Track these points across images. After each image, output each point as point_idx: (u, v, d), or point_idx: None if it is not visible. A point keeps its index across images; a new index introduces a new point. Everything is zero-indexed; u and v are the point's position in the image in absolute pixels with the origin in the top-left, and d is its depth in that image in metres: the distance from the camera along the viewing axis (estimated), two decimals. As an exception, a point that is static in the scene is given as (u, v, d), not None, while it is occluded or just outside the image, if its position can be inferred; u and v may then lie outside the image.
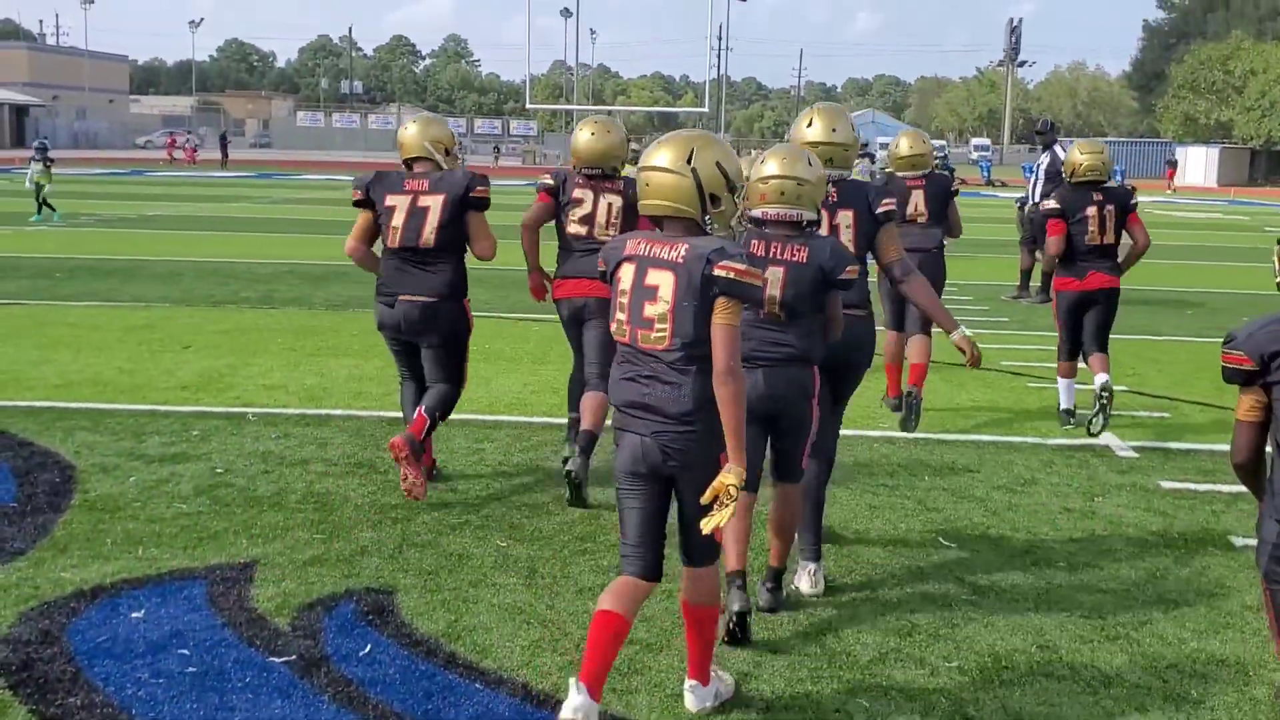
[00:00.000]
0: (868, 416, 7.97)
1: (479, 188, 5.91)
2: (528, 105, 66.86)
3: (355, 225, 6.18)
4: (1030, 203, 14.13)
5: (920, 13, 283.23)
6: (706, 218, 3.65)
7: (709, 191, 3.63)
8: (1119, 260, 7.72)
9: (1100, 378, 7.48)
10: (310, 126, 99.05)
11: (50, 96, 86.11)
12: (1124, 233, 7.69)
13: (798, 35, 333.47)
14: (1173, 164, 61.63)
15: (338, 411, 7.76)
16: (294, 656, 4.14)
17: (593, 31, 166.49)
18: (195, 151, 59.77)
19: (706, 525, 3.51)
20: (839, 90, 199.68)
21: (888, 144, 13.71)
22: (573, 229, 6.27)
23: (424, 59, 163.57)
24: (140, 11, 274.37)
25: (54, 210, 23.08)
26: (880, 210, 4.91)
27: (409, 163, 6.11)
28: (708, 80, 69.57)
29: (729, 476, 3.47)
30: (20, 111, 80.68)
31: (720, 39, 79.41)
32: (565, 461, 6.00)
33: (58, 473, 6.24)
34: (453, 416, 7.50)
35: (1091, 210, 7.55)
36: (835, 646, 4.36)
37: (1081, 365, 7.87)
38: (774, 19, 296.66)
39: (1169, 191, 53.74)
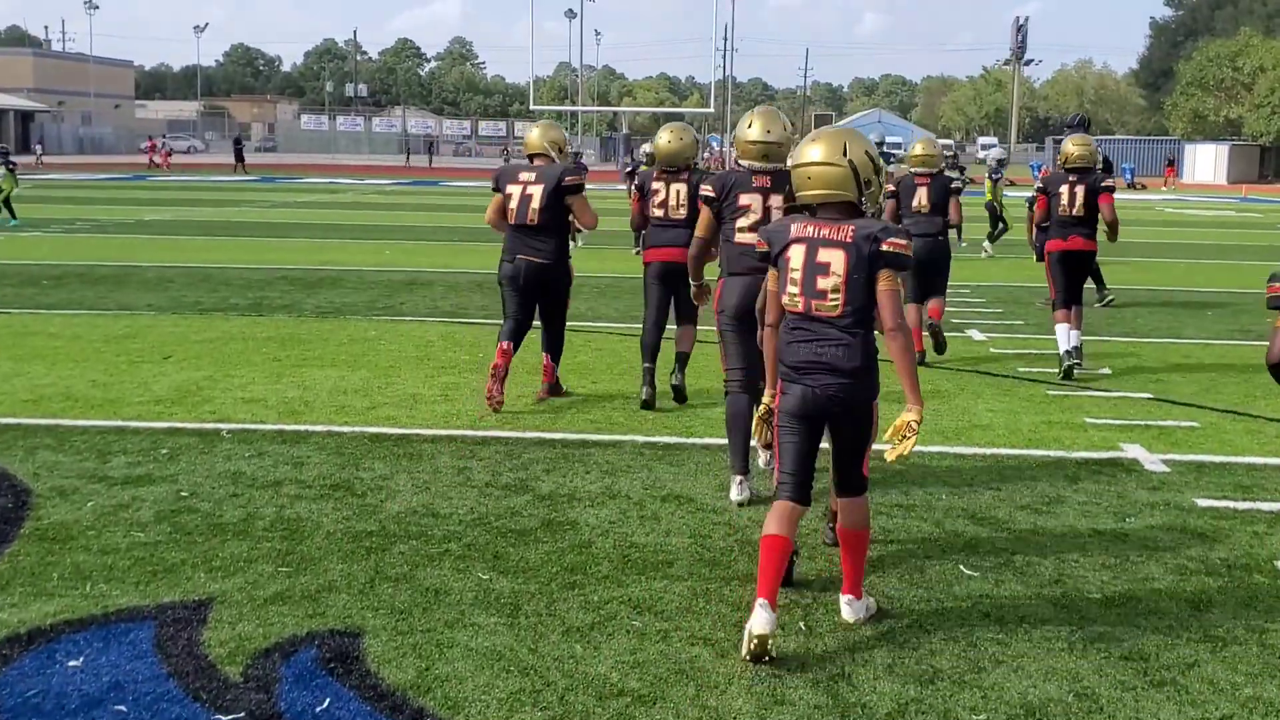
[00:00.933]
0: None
1: (569, 177, 7.81)
2: (532, 107, 66.29)
3: (491, 204, 8.05)
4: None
5: (926, 12, 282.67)
6: (862, 199, 4.35)
7: (863, 178, 4.33)
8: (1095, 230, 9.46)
9: (1073, 335, 9.28)
10: (315, 130, 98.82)
11: (56, 102, 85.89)
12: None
13: (804, 36, 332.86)
14: (1171, 162, 60.95)
15: (318, 427, 7.32)
16: (242, 714, 3.70)
17: (597, 33, 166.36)
18: (170, 156, 59.40)
19: (892, 455, 4.25)
20: (845, 90, 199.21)
21: (897, 143, 14.35)
22: (654, 213, 7.93)
23: (429, 62, 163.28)
24: (146, 18, 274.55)
25: (13, 216, 22.77)
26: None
27: (531, 157, 8.03)
28: (713, 81, 69.18)
29: (910, 414, 4.25)
30: (26, 117, 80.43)
31: (726, 39, 78.93)
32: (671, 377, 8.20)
33: (12, 497, 5.81)
34: (438, 431, 7.12)
35: (1064, 189, 9.43)
36: (849, 696, 3.91)
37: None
38: (780, 20, 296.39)
39: (1165, 189, 52.94)
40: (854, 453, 4.49)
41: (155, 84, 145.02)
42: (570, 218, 7.91)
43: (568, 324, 8.44)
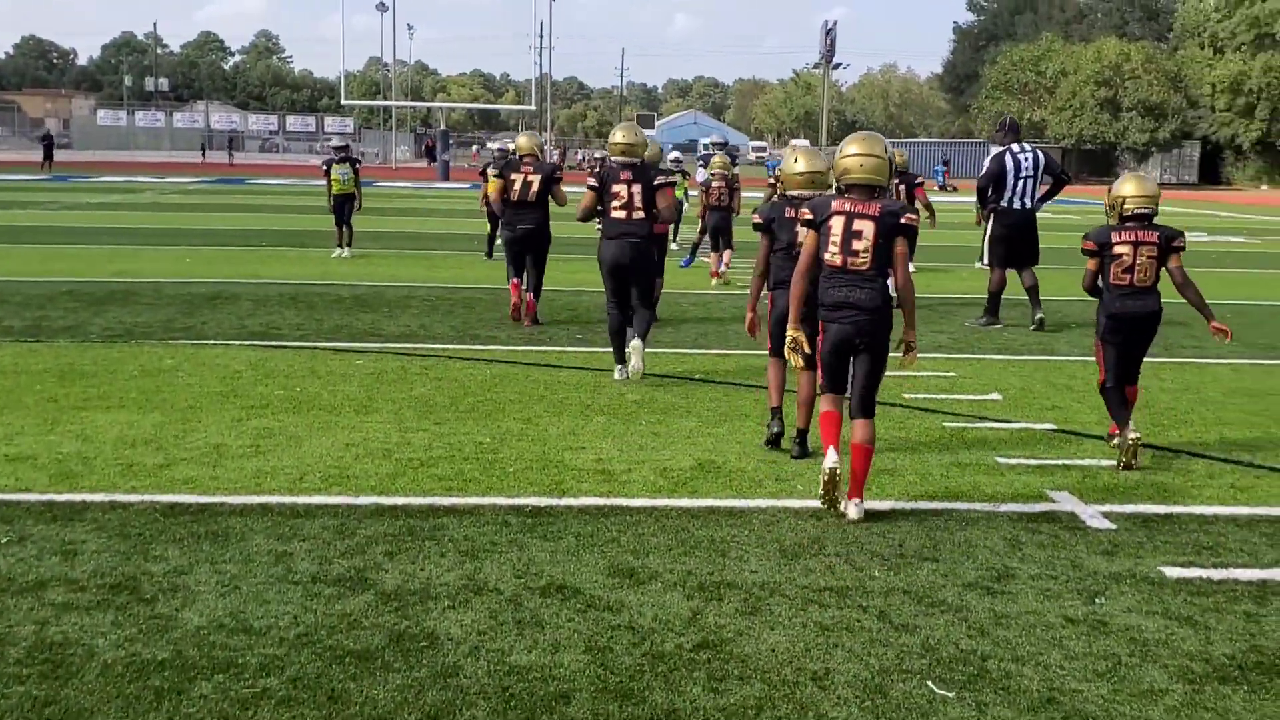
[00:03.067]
0: (776, 479, 6.49)
1: (558, 172, 11.62)
2: (343, 101, 63.96)
3: (494, 188, 12.42)
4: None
5: (737, 16, 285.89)
6: (888, 184, 5.97)
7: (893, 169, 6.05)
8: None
9: None
10: (112, 125, 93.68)
11: None
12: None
13: (617, 35, 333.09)
14: (946, 163, 62.48)
15: (97, 496, 5.87)
16: None
17: (410, 27, 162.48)
18: None
19: (906, 366, 6.06)
20: (660, 90, 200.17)
21: (719, 143, 14.36)
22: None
23: (234, 55, 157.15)
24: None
25: None
26: (657, 182, 9.15)
27: (523, 156, 11.60)
28: (534, 79, 67.80)
29: (910, 336, 5.92)
30: None
31: (541, 37, 77.58)
32: None
33: None
34: (249, 499, 5.81)
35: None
36: None
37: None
38: (594, 18, 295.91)
39: (937, 189, 53.57)
40: (872, 376, 5.94)
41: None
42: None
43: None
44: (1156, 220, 7.14)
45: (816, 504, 6.00)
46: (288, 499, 5.89)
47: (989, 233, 12.94)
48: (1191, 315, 13.31)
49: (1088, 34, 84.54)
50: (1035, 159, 12.38)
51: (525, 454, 6.86)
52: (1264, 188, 72.09)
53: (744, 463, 6.80)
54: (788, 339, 6.07)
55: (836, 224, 5.83)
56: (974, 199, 13.69)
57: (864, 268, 5.79)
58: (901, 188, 14.23)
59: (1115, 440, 7.12)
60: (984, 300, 12.62)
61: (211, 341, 10.35)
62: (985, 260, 12.96)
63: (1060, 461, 7.02)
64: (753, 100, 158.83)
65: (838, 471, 5.73)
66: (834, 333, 5.87)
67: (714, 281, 15.65)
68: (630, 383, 8.95)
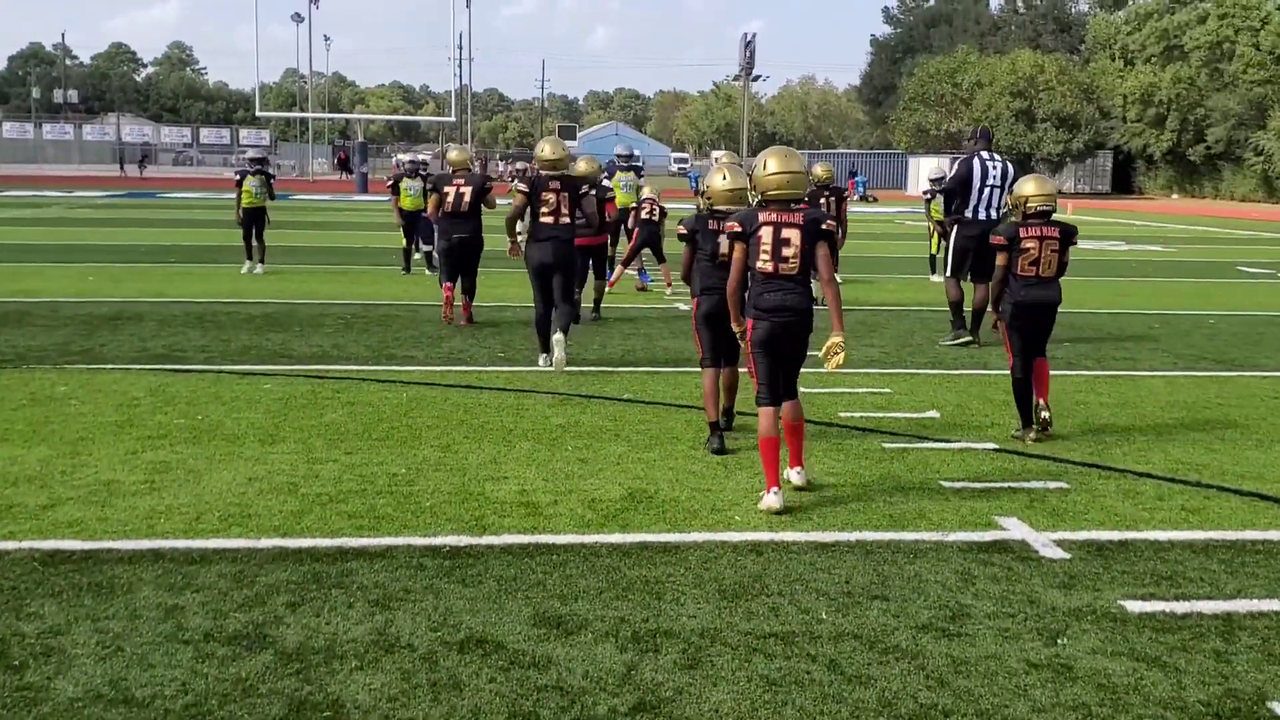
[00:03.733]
0: (713, 510, 6.11)
1: (489, 184, 12.37)
2: (258, 113, 62.77)
3: (431, 201, 12.49)
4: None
5: (656, 28, 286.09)
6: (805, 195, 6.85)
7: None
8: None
9: None
10: (18, 138, 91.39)
11: None
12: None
13: (537, 47, 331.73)
14: (853, 174, 63.05)
15: (-32, 543, 5.34)
16: None
17: (327, 38, 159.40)
18: None
19: (830, 365, 6.20)
20: (581, 102, 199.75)
21: (625, 154, 14.14)
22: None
23: (146, 67, 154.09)
24: None
25: None
26: (581, 191, 10.20)
27: (455, 170, 12.45)
28: (454, 90, 66.86)
29: (837, 337, 6.19)
30: None
31: (460, 48, 76.71)
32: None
33: None
34: (139, 543, 5.32)
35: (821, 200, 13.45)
36: None
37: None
38: (513, 29, 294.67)
39: (857, 200, 53.71)
40: (797, 366, 6.45)
41: None
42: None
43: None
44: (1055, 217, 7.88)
45: (757, 536, 5.64)
46: (182, 543, 5.39)
47: (951, 242, 12.21)
48: (1121, 328, 13.27)
49: (1002, 46, 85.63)
50: (1004, 170, 11.93)
51: (443, 486, 6.42)
52: (1175, 196, 73.49)
53: (677, 491, 6.42)
54: (735, 331, 6.62)
55: (766, 234, 6.28)
56: (896, 210, 13.40)
57: (794, 272, 6.27)
58: (832, 200, 14.83)
59: (1016, 433, 7.88)
60: (922, 310, 12.38)
61: (109, 366, 9.75)
62: (949, 272, 12.06)
63: (1006, 484, 6.72)
64: (674, 112, 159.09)
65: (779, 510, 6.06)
66: (765, 329, 6.30)
67: (668, 291, 15.76)
68: (552, 407, 8.53)
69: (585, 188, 10.33)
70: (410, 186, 17.93)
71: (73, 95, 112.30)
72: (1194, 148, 72.27)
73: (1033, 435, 7.76)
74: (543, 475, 6.69)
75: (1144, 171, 79.15)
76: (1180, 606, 4.91)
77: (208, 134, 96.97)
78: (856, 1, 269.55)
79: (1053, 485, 6.74)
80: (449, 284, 12.28)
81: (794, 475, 6.48)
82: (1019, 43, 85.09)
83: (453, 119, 63.41)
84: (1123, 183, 78.72)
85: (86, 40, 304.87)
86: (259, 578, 4.98)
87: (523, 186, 10.16)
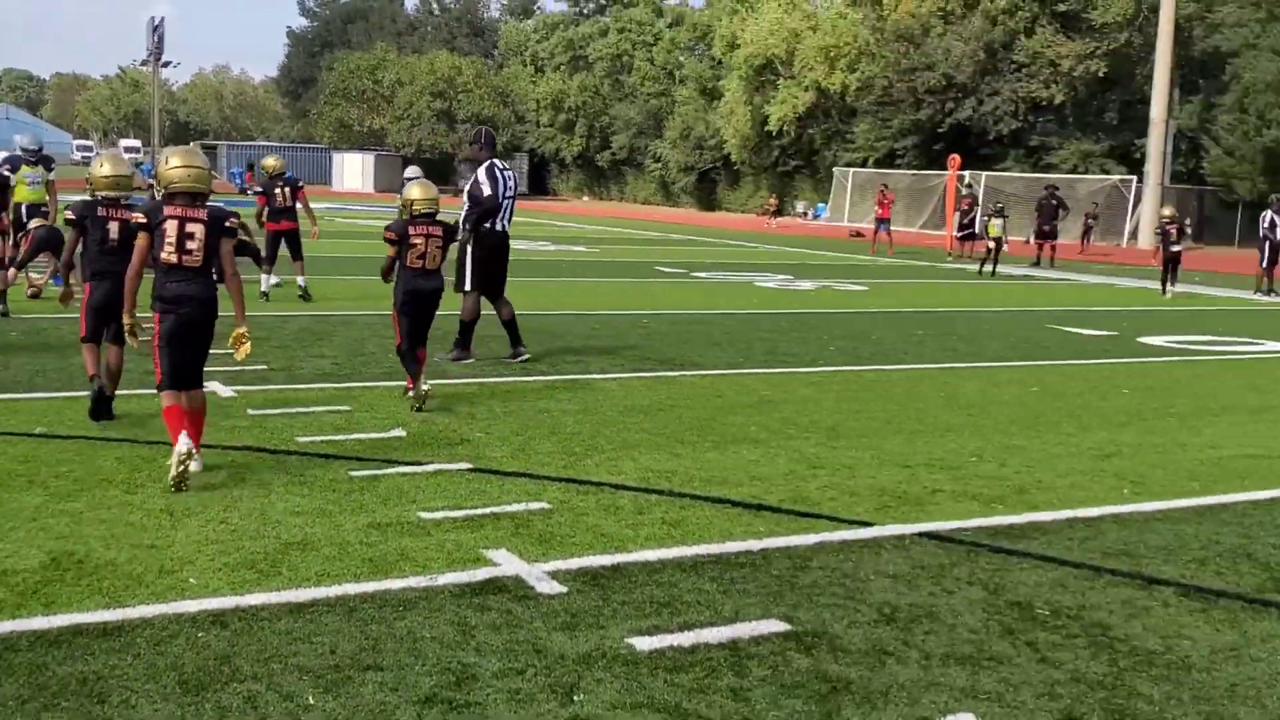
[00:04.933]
0: (161, 572, 5.14)
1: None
2: None
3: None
4: (463, 231, 10.99)
5: (52, 6, 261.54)
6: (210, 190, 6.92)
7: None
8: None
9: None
10: None
11: None
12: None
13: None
14: (252, 166, 62.25)
15: None
16: None
17: None
18: None
19: (240, 356, 6.87)
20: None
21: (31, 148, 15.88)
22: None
23: None
24: None
25: None
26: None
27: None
28: None
29: (242, 328, 6.85)
30: None
31: None
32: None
33: None
34: None
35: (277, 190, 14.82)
36: None
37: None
38: None
39: (237, 192, 52.19)
40: (203, 354, 6.82)
41: None
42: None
43: None
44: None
45: (219, 603, 4.78)
46: None
47: (470, 256, 11.10)
48: (568, 329, 13.33)
49: (419, 46, 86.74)
50: (515, 179, 11.40)
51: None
52: (586, 199, 78.15)
53: (114, 551, 5.36)
54: (125, 325, 6.88)
55: (170, 227, 6.62)
56: (325, 206, 12.65)
57: (197, 264, 6.66)
58: (288, 190, 15.50)
59: (410, 392, 8.70)
60: (370, 316, 11.73)
61: None
62: (467, 285, 11.06)
63: (488, 510, 6.29)
64: (75, 96, 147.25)
65: (189, 453, 6.34)
66: (172, 322, 6.62)
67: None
68: (-55, 447, 7.04)
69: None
70: None
71: None
72: (601, 153, 77.21)
73: (425, 386, 8.64)
74: (-68, 543, 5.37)
75: (557, 174, 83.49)
76: (686, 638, 4.68)
77: None
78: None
79: (535, 506, 6.40)
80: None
81: (192, 464, 6.46)
82: (435, 44, 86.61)
83: None
84: (538, 184, 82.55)
85: None
86: None
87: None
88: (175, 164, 6.71)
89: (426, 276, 9.01)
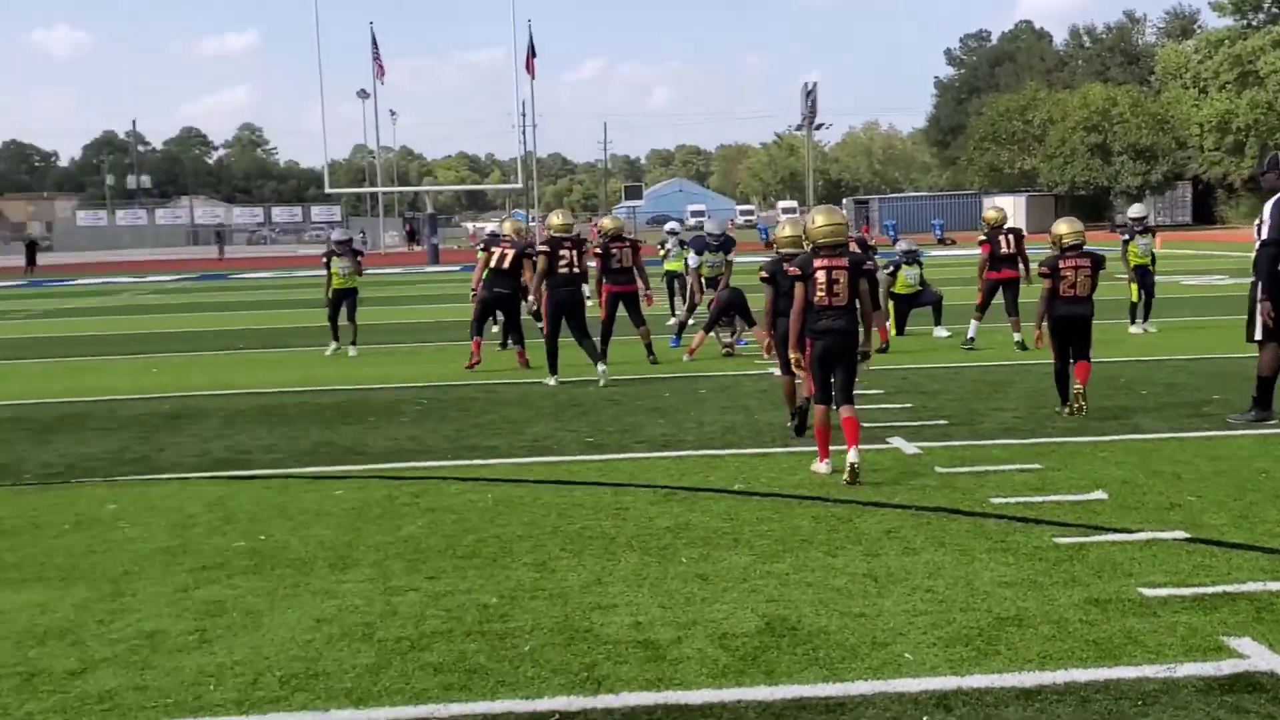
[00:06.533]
0: (875, 644, 4.99)
1: (529, 250, 14.42)
2: (327, 190, 62.89)
3: (479, 264, 15.30)
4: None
5: (713, 85, 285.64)
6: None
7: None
8: None
9: None
10: (92, 225, 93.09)
11: None
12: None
13: (598, 111, 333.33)
14: (866, 220, 62.08)
15: (-22, 730, 4.40)
16: None
17: (393, 113, 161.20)
18: None
19: (862, 372, 8.33)
20: (643, 161, 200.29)
21: (715, 234, 15.90)
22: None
23: (217, 149, 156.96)
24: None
25: None
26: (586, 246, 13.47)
27: (496, 236, 16.17)
28: (519, 157, 66.24)
29: (867, 346, 8.29)
30: None
31: (524, 116, 76.67)
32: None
33: None
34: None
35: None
36: None
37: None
38: (576, 95, 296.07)
39: (935, 243, 51.96)
40: (851, 375, 8.11)
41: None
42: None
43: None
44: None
45: (940, 684, 4.52)
46: (236, 721, 4.41)
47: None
48: None
49: (1070, 81, 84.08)
50: None
51: (543, 620, 5.39)
52: (1263, 224, 70.97)
53: (825, 619, 5.30)
54: (791, 358, 8.37)
55: (820, 275, 8.02)
56: (974, 252, 11.98)
57: (843, 303, 8.02)
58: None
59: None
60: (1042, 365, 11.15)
61: (166, 475, 8.87)
62: (1257, 334, 9.68)
63: (1218, 589, 5.53)
64: (736, 164, 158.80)
65: (856, 467, 7.77)
66: (820, 348, 8.07)
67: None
68: (655, 504, 7.49)
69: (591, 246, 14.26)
70: (341, 266, 16.72)
71: (145, 180, 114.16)
72: (1278, 174, 69.99)
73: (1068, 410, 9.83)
74: (658, 600, 5.63)
75: (1225, 200, 76.84)
76: None
77: (279, 212, 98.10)
78: (916, 45, 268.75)
79: (1275, 586, 5.55)
80: (478, 337, 14.66)
81: (851, 453, 7.78)
82: (1086, 77, 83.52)
83: (519, 185, 63.07)
84: (1204, 213, 76.43)
85: (158, 126, 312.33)
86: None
87: (545, 248, 12.80)
88: (820, 222, 8.12)
89: (1078, 304, 10.01)
